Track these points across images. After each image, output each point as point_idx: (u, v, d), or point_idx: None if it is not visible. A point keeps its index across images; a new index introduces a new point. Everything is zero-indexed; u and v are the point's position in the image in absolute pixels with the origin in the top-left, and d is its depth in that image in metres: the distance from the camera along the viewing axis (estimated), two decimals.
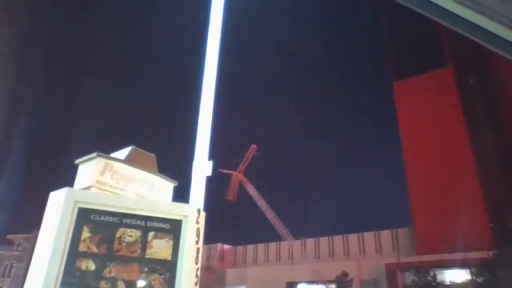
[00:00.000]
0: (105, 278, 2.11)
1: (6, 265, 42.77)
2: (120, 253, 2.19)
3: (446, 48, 31.02)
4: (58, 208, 2.19)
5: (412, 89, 32.41)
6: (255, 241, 42.09)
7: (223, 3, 3.36)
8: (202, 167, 2.96)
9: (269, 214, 48.88)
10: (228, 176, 54.35)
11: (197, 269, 2.41)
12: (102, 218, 2.23)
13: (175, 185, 3.11)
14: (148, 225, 2.32)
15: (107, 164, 2.66)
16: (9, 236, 42.96)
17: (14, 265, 41.93)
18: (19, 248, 42.51)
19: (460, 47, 27.88)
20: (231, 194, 54.35)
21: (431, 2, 1.24)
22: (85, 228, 2.18)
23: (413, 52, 33.09)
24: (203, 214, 2.57)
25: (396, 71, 34.83)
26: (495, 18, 1.13)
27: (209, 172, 2.99)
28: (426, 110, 30.95)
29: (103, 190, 2.59)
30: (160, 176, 3.01)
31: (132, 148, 2.93)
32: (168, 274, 2.26)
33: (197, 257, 2.41)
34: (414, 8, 1.36)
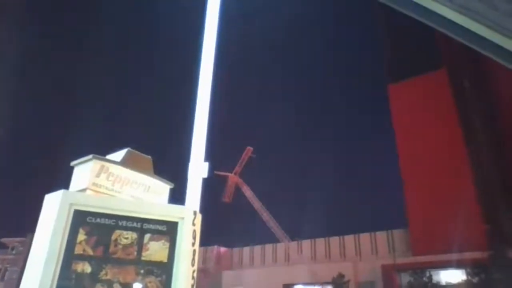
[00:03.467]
0: (101, 281, 2.10)
1: (0, 269, 42.40)
2: (116, 256, 2.18)
3: (441, 50, 31.22)
4: (54, 210, 2.17)
5: (407, 91, 32.58)
6: (251, 243, 42.05)
7: (220, 4, 3.36)
8: (198, 168, 2.96)
9: (265, 215, 48.88)
10: (224, 178, 54.33)
11: (194, 271, 2.41)
12: (98, 220, 2.22)
13: (171, 187, 3.10)
14: (144, 227, 2.32)
15: (102, 166, 2.65)
16: (3, 240, 42.59)
17: (8, 268, 41.57)
18: (14, 252, 42.18)
19: (455, 49, 28.07)
20: (227, 196, 54.31)
21: (413, 1, 1.27)
22: (81, 230, 2.17)
23: (409, 54, 33.27)
24: (199, 216, 2.57)
25: (391, 73, 35.00)
26: (471, 17, 1.16)
27: (205, 174, 2.99)
28: (421, 112, 31.12)
29: (99, 192, 2.58)
30: (156, 178, 3.00)
31: (128, 150, 2.92)
32: (164, 277, 2.25)
33: (193, 259, 2.41)
34: (395, 7, 1.38)
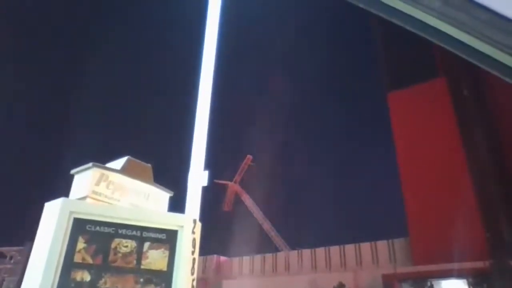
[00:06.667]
0: None
1: None
2: (115, 264, 2.18)
3: (438, 58, 31.40)
4: (53, 218, 2.17)
5: (407, 100, 32.68)
6: (251, 252, 41.76)
7: (219, 13, 3.40)
8: (198, 177, 2.96)
9: (265, 224, 48.69)
10: (224, 187, 54.25)
11: (193, 280, 2.40)
12: (97, 228, 2.22)
13: (171, 195, 3.10)
14: (144, 235, 2.31)
15: (102, 174, 2.66)
16: (1, 249, 42.24)
17: (6, 278, 41.17)
18: (12, 261, 41.80)
19: (454, 57, 28.14)
20: (227, 205, 54.18)
21: (382, 2, 1.30)
22: (80, 238, 2.16)
23: (408, 62, 33.44)
24: (199, 224, 2.57)
25: (391, 81, 35.15)
26: (453, 24, 1.20)
27: (205, 182, 2.99)
28: (421, 121, 31.19)
29: (99, 200, 2.57)
30: (156, 186, 3.00)
31: (128, 158, 2.92)
32: (163, 285, 2.24)
33: (193, 267, 2.40)
34: (365, 7, 1.42)
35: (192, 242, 2.44)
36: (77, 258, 2.12)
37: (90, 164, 2.64)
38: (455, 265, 22.49)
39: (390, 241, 32.64)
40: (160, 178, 3.06)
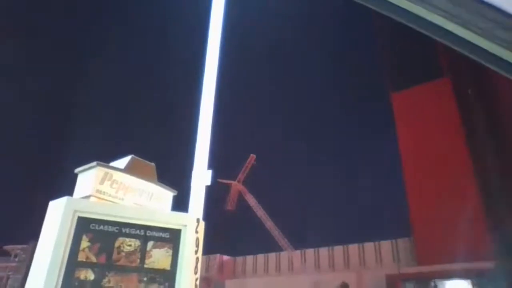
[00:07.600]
0: None
1: (2, 277, 42.30)
2: (119, 263, 2.18)
3: (442, 58, 31.24)
4: (58, 217, 2.18)
5: (411, 100, 32.56)
6: (254, 251, 41.78)
7: (223, 12, 3.40)
8: (201, 176, 2.96)
9: (269, 224, 48.65)
10: (228, 186, 54.31)
11: (196, 279, 2.40)
12: (101, 227, 2.22)
13: (175, 194, 3.10)
14: (148, 234, 2.32)
15: (106, 173, 2.66)
16: (6, 247, 42.54)
17: (11, 276, 41.47)
18: (16, 259, 42.08)
19: (459, 57, 27.99)
20: (231, 204, 54.23)
21: (393, 3, 1.30)
22: (84, 237, 2.17)
23: (412, 62, 33.30)
24: (202, 224, 2.56)
25: (394, 81, 35.00)
26: (439, 13, 1.20)
27: (208, 182, 2.99)
28: (425, 120, 31.06)
29: (103, 199, 2.58)
30: (160, 185, 3.00)
31: (132, 157, 2.93)
32: (167, 284, 2.24)
33: (196, 267, 2.40)
34: (368, 5, 1.42)
35: (196, 241, 2.44)
36: (81, 257, 2.12)
37: (94, 163, 2.65)
38: (460, 266, 22.38)
39: (393, 241, 32.54)
40: (164, 177, 3.07)
